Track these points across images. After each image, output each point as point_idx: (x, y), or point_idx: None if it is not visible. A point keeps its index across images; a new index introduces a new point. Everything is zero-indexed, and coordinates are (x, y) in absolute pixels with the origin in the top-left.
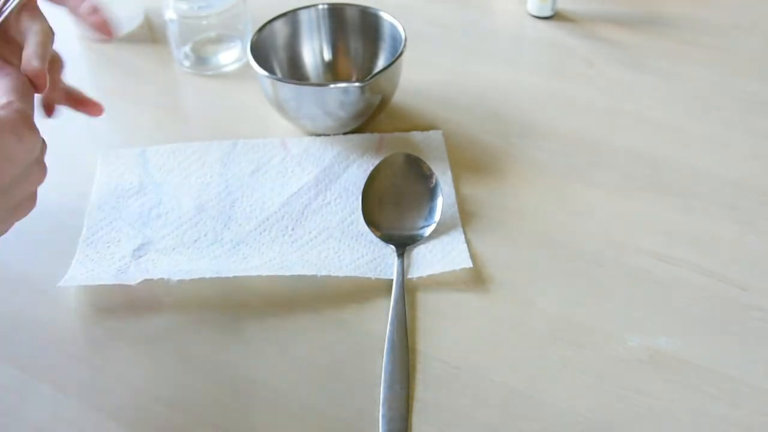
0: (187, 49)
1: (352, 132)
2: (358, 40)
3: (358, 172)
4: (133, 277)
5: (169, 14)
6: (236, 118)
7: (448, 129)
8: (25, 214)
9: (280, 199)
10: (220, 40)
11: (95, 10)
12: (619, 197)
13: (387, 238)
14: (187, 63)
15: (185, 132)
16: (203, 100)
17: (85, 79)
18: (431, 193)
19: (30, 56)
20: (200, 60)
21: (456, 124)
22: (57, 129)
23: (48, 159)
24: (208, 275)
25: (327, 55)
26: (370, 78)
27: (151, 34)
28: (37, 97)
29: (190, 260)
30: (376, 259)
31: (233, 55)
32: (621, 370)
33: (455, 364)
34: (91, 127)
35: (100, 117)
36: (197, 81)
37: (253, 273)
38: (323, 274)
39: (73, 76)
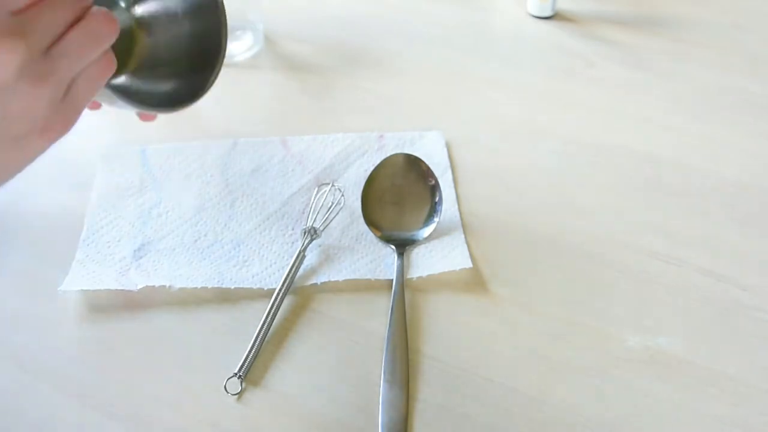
0: None
1: None
2: None
3: (358, 172)
4: (134, 281)
5: None
6: (239, 115)
7: (448, 129)
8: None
9: (281, 198)
10: (231, 31)
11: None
12: (618, 197)
13: (387, 239)
14: None
15: (187, 130)
16: (210, 94)
17: None
18: (431, 193)
19: None
20: None
21: (456, 124)
22: None
23: (48, 158)
24: (210, 285)
25: None
26: None
27: None
28: None
29: (190, 263)
30: (376, 260)
31: (244, 45)
32: (621, 370)
33: (455, 364)
34: (92, 125)
35: (97, 111)
36: None
37: (255, 286)
38: (323, 281)
39: None
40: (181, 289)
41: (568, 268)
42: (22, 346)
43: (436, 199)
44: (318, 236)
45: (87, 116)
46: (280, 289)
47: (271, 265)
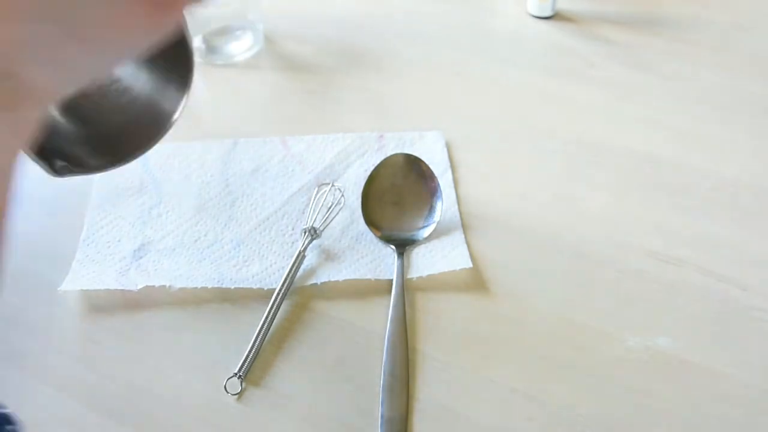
0: (197, 40)
1: None
2: None
3: (358, 172)
4: (134, 281)
5: None
6: (239, 115)
7: (448, 129)
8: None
9: (281, 198)
10: (230, 30)
11: None
12: (619, 197)
13: (387, 239)
14: (197, 55)
15: (187, 130)
16: (209, 94)
17: None
18: (431, 193)
19: None
20: (211, 50)
21: (456, 124)
22: None
23: None
24: (210, 285)
25: None
26: None
27: None
28: None
29: (190, 263)
30: (376, 260)
31: (244, 45)
32: (621, 370)
33: (455, 364)
34: None
35: None
36: (207, 72)
37: (255, 286)
38: (323, 281)
39: None
40: (181, 289)
41: (568, 267)
42: (22, 346)
43: (436, 199)
44: (318, 236)
45: None
46: (280, 289)
47: (271, 265)
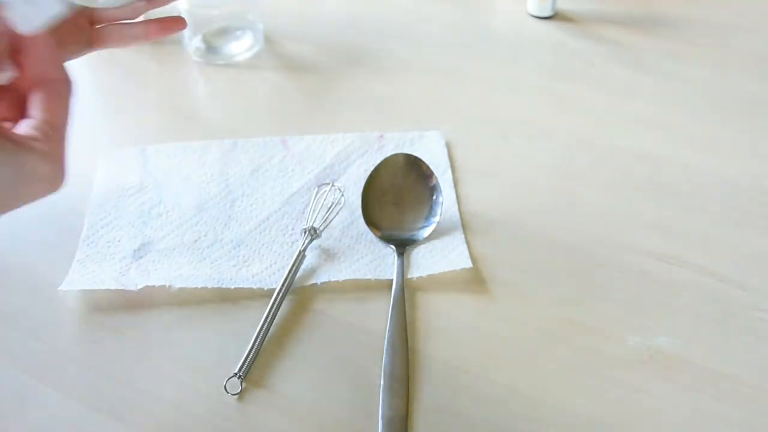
0: (197, 40)
1: None
2: None
3: (358, 172)
4: (134, 281)
5: (181, 5)
6: (239, 115)
7: (448, 129)
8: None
9: (281, 198)
10: (231, 31)
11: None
12: (619, 197)
13: (387, 239)
14: (197, 55)
15: (187, 130)
16: (209, 94)
17: (87, 78)
18: (431, 193)
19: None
20: (211, 50)
21: (456, 124)
22: None
23: None
24: (210, 285)
25: None
26: None
27: None
28: None
29: (190, 263)
30: (376, 260)
31: (244, 45)
32: (621, 370)
33: (455, 364)
34: (92, 125)
35: (97, 110)
36: (207, 72)
37: (255, 286)
38: (323, 281)
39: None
40: (181, 289)
41: (568, 268)
42: (22, 345)
43: (436, 199)
44: (318, 236)
45: (87, 116)
46: (280, 289)
47: (271, 265)
